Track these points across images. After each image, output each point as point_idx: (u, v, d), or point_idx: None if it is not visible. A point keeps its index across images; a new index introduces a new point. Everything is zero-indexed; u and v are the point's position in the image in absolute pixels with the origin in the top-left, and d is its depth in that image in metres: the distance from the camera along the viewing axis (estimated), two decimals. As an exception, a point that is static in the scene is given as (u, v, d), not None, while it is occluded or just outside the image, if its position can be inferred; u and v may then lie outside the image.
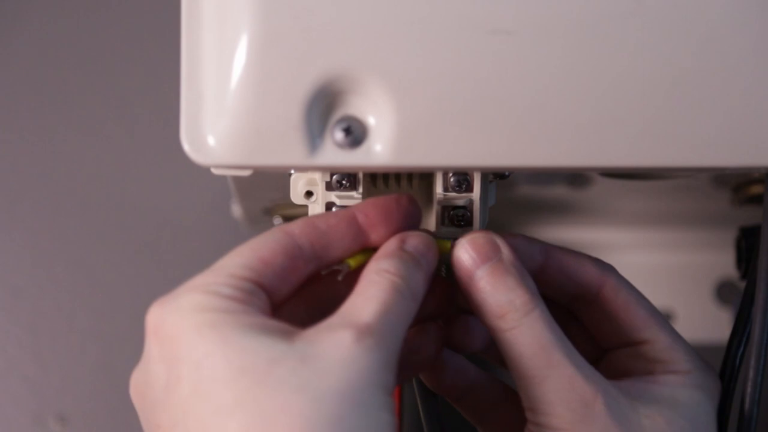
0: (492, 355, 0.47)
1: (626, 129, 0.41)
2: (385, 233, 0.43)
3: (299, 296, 0.43)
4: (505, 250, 0.43)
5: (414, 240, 0.43)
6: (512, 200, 0.68)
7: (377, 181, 0.47)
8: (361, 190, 0.46)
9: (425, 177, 0.47)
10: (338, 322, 0.39)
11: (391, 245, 0.42)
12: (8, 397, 0.74)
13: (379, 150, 0.41)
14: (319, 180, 0.47)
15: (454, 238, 0.44)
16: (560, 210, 0.70)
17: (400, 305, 0.40)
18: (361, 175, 0.46)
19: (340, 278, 0.42)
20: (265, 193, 0.62)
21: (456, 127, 0.40)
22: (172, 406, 0.38)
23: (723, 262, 0.72)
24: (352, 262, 0.43)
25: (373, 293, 0.40)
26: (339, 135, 0.40)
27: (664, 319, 0.45)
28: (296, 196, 0.47)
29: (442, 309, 0.46)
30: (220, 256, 0.41)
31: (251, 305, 0.39)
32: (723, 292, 0.74)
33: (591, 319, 0.46)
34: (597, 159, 0.41)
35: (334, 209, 0.46)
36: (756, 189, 0.59)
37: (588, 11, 0.40)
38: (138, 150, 0.76)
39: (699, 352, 0.45)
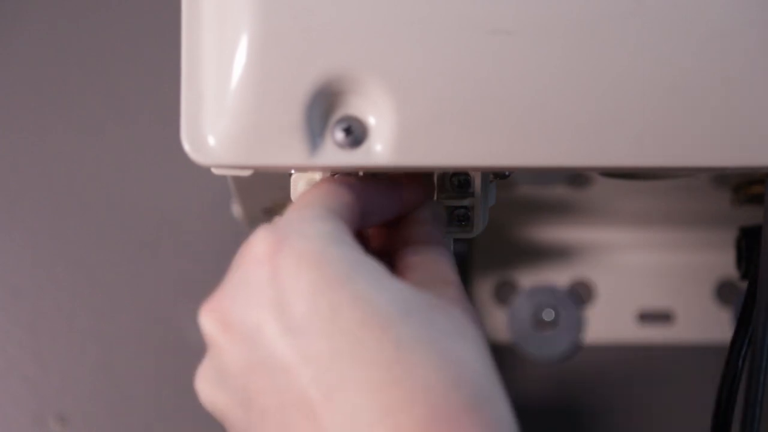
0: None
1: (626, 129, 0.40)
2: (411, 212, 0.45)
3: None
4: None
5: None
6: (512, 200, 0.68)
7: (377, 181, 0.47)
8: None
9: (425, 177, 0.47)
10: (435, 282, 0.40)
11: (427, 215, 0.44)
12: (8, 397, 0.74)
13: (380, 150, 0.41)
14: (319, 180, 0.46)
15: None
16: (560, 210, 0.70)
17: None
18: (361, 175, 0.46)
19: None
20: (265, 193, 0.62)
21: (456, 127, 0.40)
22: (330, 334, 0.35)
23: (723, 262, 0.72)
24: None
25: (446, 263, 0.42)
26: (339, 135, 0.40)
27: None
28: (296, 196, 0.47)
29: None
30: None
31: (350, 234, 0.39)
32: (723, 292, 0.74)
33: None
34: (597, 159, 0.41)
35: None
36: (756, 189, 0.59)
37: (588, 11, 0.40)
38: (138, 150, 0.76)
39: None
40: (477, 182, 0.47)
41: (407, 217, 0.44)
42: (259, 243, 0.38)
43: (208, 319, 0.38)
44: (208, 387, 0.39)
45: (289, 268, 0.37)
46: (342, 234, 0.38)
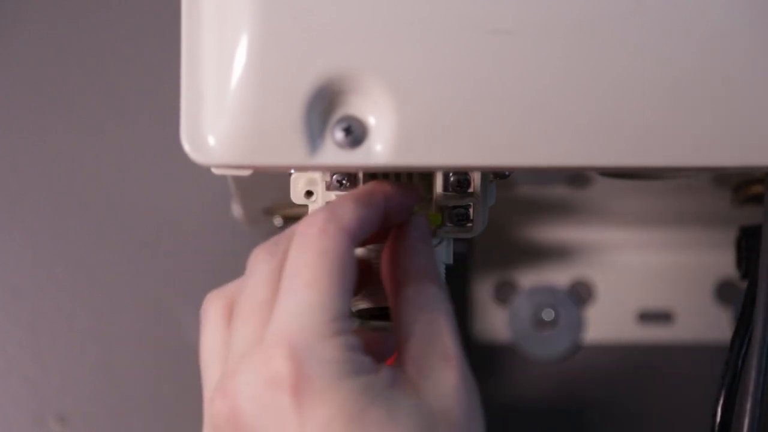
0: None
1: (626, 129, 0.40)
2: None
3: None
4: None
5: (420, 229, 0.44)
6: (512, 200, 0.68)
7: (377, 181, 0.47)
8: (361, 190, 0.46)
9: (425, 177, 0.47)
10: (434, 360, 0.40)
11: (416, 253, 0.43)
12: (8, 397, 0.74)
13: (380, 150, 0.41)
14: (319, 180, 0.47)
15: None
16: (560, 210, 0.70)
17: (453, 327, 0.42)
18: (361, 175, 0.46)
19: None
20: (265, 193, 0.62)
21: (456, 127, 0.40)
22: None
23: (723, 262, 0.72)
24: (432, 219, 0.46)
25: (438, 326, 0.41)
26: (339, 135, 0.40)
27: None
28: (296, 195, 0.47)
29: None
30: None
31: (361, 350, 0.40)
32: (723, 292, 0.74)
33: None
34: (597, 159, 0.41)
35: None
36: (756, 189, 0.59)
37: (588, 11, 0.40)
38: (138, 150, 0.76)
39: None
40: (477, 182, 0.47)
41: (399, 245, 0.44)
42: (277, 360, 0.39)
43: (221, 410, 0.39)
44: None
45: (313, 401, 0.38)
46: (349, 353, 0.39)
